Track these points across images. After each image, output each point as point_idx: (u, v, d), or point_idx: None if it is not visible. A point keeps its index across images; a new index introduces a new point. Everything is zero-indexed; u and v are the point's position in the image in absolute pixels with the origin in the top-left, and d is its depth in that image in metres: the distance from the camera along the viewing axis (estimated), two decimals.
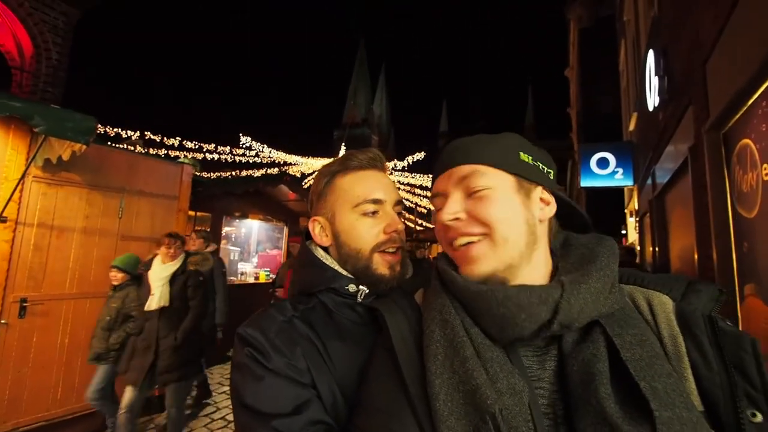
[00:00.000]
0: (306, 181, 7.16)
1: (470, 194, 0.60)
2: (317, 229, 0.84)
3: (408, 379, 0.54)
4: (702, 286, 0.57)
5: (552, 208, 0.64)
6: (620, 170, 6.92)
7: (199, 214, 6.22)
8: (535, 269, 0.59)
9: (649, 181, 5.49)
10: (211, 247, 4.21)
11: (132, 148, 6.10)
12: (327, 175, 0.84)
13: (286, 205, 7.54)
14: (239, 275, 7.10)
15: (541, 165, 0.65)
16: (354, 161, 0.83)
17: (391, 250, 0.79)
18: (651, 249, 5.69)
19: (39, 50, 5.46)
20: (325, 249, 0.84)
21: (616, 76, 10.04)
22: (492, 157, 0.61)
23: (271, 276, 6.95)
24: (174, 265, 3.09)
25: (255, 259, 7.88)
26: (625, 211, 9.89)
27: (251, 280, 7.00)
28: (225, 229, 7.07)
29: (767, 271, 2.05)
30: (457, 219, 0.59)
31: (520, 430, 0.46)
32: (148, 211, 4.17)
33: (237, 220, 7.54)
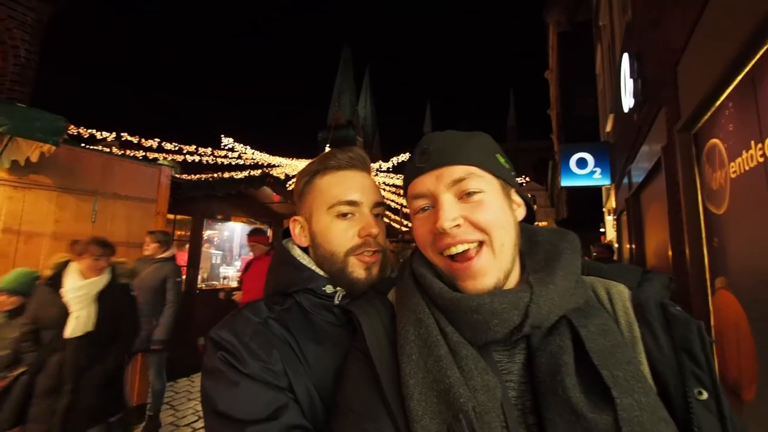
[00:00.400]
0: (290, 182, 7.05)
1: (463, 197, 0.59)
2: (297, 229, 0.83)
3: (383, 380, 0.55)
4: (654, 275, 0.60)
5: (523, 210, 0.66)
6: (598, 170, 7.12)
7: (178, 217, 6.06)
8: (514, 267, 0.60)
9: (626, 180, 5.66)
10: (168, 252, 3.73)
11: (108, 150, 5.90)
12: (307, 175, 0.83)
13: (270, 207, 7.43)
14: (222, 280, 6.95)
15: (510, 167, 0.66)
16: (333, 161, 0.81)
17: (367, 253, 0.77)
18: (628, 246, 5.86)
19: (5, 47, 5.22)
20: (305, 249, 0.83)
21: (593, 78, 10.33)
22: (480, 159, 0.60)
23: None
24: (101, 280, 2.48)
25: (238, 263, 7.73)
26: (603, 209, 10.17)
27: (234, 284, 6.85)
28: (206, 233, 6.92)
29: (737, 265, 2.13)
30: (457, 225, 0.57)
31: (492, 424, 0.48)
32: (123, 214, 4.04)
33: (219, 223, 7.39)
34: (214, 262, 7.08)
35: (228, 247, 7.92)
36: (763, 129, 1.66)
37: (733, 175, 2.03)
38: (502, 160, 0.64)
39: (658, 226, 3.80)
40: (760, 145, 1.70)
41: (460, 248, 0.57)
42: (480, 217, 0.57)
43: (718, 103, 2.19)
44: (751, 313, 1.93)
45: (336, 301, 0.75)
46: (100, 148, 5.99)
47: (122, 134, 8.19)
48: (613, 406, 0.45)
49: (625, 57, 4.26)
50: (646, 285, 0.59)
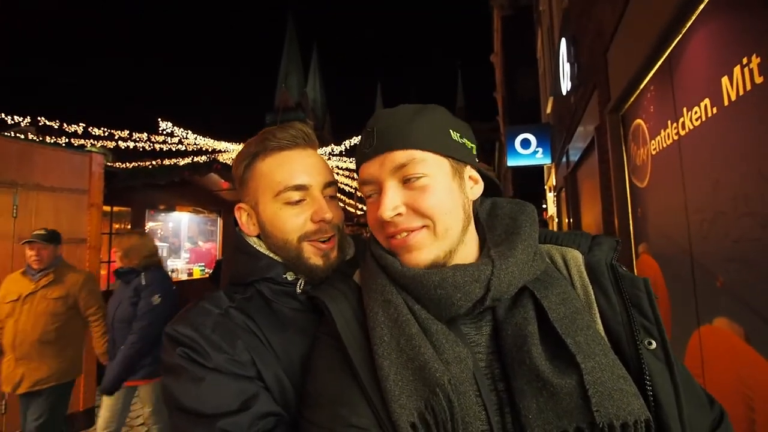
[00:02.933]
0: None
1: (407, 183, 0.58)
2: (244, 217, 0.77)
3: (356, 363, 0.54)
4: (603, 239, 0.66)
5: (480, 187, 0.65)
6: (540, 150, 7.60)
7: (116, 209, 5.58)
8: (467, 246, 0.61)
9: (564, 159, 6.11)
10: None
11: (22, 137, 5.22)
12: (246, 158, 0.76)
13: (219, 194, 7.07)
14: (170, 272, 6.56)
15: (467, 142, 0.64)
16: (272, 141, 0.74)
17: (322, 239, 0.73)
18: (567, 220, 6.39)
19: None
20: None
21: (534, 62, 10.84)
22: (426, 140, 0.58)
23: (206, 271, 6.54)
24: None
25: (186, 255, 7.33)
26: (545, 187, 10.91)
27: (184, 276, 6.52)
28: (149, 224, 6.45)
29: (655, 232, 2.43)
30: (398, 214, 0.57)
31: (467, 394, 0.50)
32: (50, 207, 3.64)
33: (162, 214, 6.91)
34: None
35: (174, 238, 7.46)
36: (677, 110, 1.89)
37: (653, 152, 2.29)
38: (455, 135, 0.62)
39: (592, 201, 4.19)
40: (675, 125, 1.93)
41: (403, 235, 0.58)
42: (423, 204, 0.57)
43: (641, 86, 2.43)
44: (665, 271, 2.25)
45: (298, 289, 0.73)
46: (11, 134, 5.28)
47: (39, 118, 7.26)
48: (577, 370, 0.48)
49: (563, 41, 4.53)
50: (596, 249, 0.63)
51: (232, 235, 0.80)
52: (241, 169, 0.77)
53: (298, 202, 0.72)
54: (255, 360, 0.64)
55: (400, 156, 0.57)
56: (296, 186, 0.72)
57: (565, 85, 4.64)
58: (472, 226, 0.63)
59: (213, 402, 0.58)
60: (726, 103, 1.45)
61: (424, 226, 0.57)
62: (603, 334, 0.56)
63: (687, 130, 1.80)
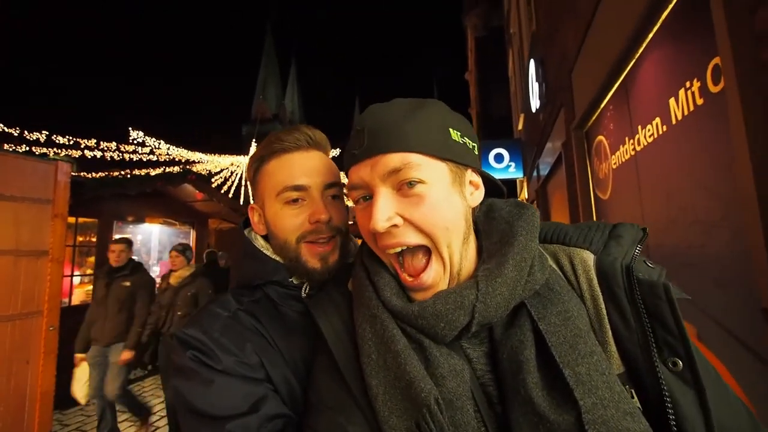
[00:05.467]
0: (215, 178, 6.58)
1: (401, 189, 0.52)
2: (255, 217, 0.80)
3: (348, 379, 0.53)
4: (623, 229, 0.55)
5: (481, 192, 0.60)
6: (513, 164, 7.88)
7: (81, 220, 5.33)
8: (466, 260, 0.56)
9: (535, 173, 6.38)
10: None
11: None
12: (256, 161, 0.79)
13: (193, 206, 6.89)
14: None
15: (468, 141, 0.57)
16: (276, 144, 0.76)
17: (320, 240, 0.74)
18: None
19: None
20: (266, 238, 0.80)
21: (506, 81, 11.33)
22: (423, 142, 0.52)
23: None
24: None
25: (156, 268, 7.05)
26: (518, 200, 11.25)
27: None
28: (116, 237, 6.18)
29: None
30: (394, 225, 0.52)
31: (464, 409, 0.47)
32: (10, 218, 3.44)
33: (131, 226, 6.65)
34: None
35: (144, 251, 7.17)
36: (634, 127, 2.05)
37: (614, 166, 2.45)
38: (456, 135, 0.55)
39: (561, 212, 4.38)
40: (631, 141, 2.09)
41: (398, 249, 0.54)
42: (420, 217, 0.51)
43: (602, 105, 2.62)
44: None
45: (303, 293, 0.74)
46: None
47: None
48: (576, 406, 0.43)
49: (532, 62, 4.79)
50: (612, 246, 0.54)
51: (239, 240, 0.82)
52: (252, 171, 0.81)
53: (296, 202, 0.74)
54: (264, 362, 0.65)
55: (393, 159, 0.51)
56: (294, 186, 0.73)
57: (535, 103, 4.89)
58: (472, 236, 0.57)
59: (222, 404, 0.59)
60: (674, 121, 1.60)
61: (425, 248, 0.53)
62: (616, 356, 0.50)
63: (642, 146, 1.96)
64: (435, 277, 0.53)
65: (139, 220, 6.36)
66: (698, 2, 1.37)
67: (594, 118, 2.84)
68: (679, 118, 1.55)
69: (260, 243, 0.79)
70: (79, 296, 5.34)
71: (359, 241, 0.84)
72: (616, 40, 2.07)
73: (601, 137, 2.72)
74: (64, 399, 3.38)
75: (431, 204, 0.51)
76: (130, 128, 8.74)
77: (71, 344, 3.48)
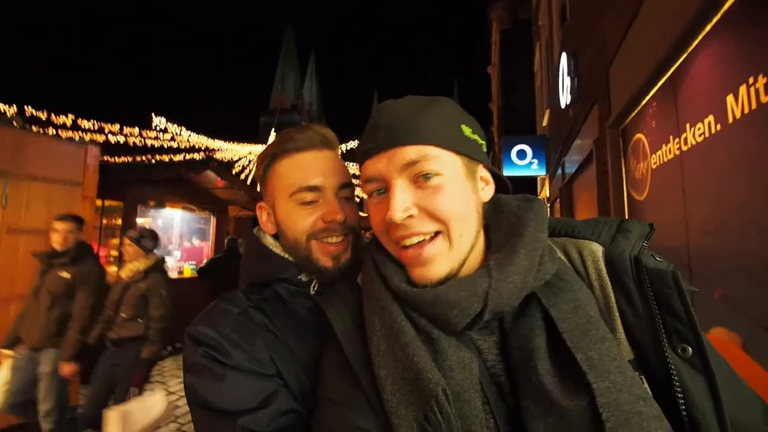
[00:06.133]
0: (236, 166, 6.64)
1: (418, 181, 0.53)
2: (264, 216, 0.79)
3: (357, 371, 0.53)
4: (631, 224, 0.56)
5: (491, 188, 0.60)
6: (536, 161, 7.71)
7: (107, 203, 5.47)
8: (475, 252, 0.56)
9: (560, 171, 6.21)
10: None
11: (15, 125, 5.10)
12: (266, 159, 0.77)
13: (213, 192, 6.98)
14: None
15: (477, 138, 0.59)
16: (290, 143, 0.75)
17: (333, 240, 0.73)
18: None
19: None
20: (275, 237, 0.80)
21: (531, 75, 11.04)
22: (438, 135, 0.53)
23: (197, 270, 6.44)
24: None
25: (177, 253, 7.20)
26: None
27: (175, 275, 6.40)
28: (139, 220, 6.33)
29: (652, 243, 2.48)
30: (410, 216, 0.52)
31: (472, 402, 0.47)
32: (42, 198, 3.55)
33: (152, 210, 6.79)
34: None
35: (165, 236, 7.34)
36: (680, 126, 1.94)
37: (654, 166, 2.34)
38: (468, 131, 0.56)
39: (589, 212, 4.26)
40: (677, 140, 1.98)
41: (414, 240, 0.53)
42: (436, 206, 0.52)
43: (644, 102, 2.50)
44: None
45: (312, 290, 0.73)
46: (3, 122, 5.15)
47: (26, 107, 7.05)
48: (589, 390, 0.43)
49: (564, 56, 4.63)
50: (621, 238, 0.55)
51: (250, 238, 0.81)
52: (262, 169, 0.79)
53: (310, 203, 0.73)
54: (274, 358, 0.65)
55: (411, 152, 0.52)
56: (309, 187, 0.72)
57: (564, 99, 4.73)
58: (481, 229, 0.58)
59: (233, 399, 0.59)
60: (731, 120, 1.50)
61: (437, 232, 0.53)
62: (626, 343, 0.50)
63: (689, 145, 1.85)
64: (437, 251, 0.53)
65: (161, 204, 6.49)
66: None
67: (633, 115, 2.72)
68: (738, 116, 1.45)
69: (269, 241, 0.78)
70: None
71: (367, 234, 0.82)
72: (666, 33, 1.96)
73: (640, 135, 2.60)
74: None
75: (448, 195, 0.52)
76: (152, 114, 8.88)
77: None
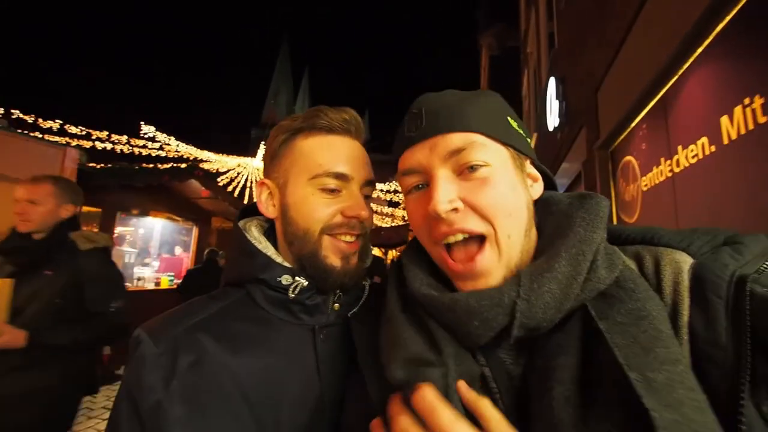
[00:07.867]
0: (221, 177, 6.49)
1: (463, 173, 0.47)
2: (264, 195, 0.69)
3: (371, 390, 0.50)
4: (748, 238, 0.42)
5: (540, 186, 0.55)
6: None
7: (84, 209, 5.24)
8: (526, 255, 0.49)
9: None
10: None
11: None
12: (286, 132, 0.67)
13: (197, 202, 6.81)
14: (136, 281, 6.16)
15: (523, 132, 0.54)
16: (323, 120, 0.65)
17: (348, 239, 0.65)
18: None
19: None
20: (267, 231, 0.71)
21: (519, 100, 11.35)
22: (486, 124, 0.48)
23: (175, 281, 6.18)
24: None
25: (156, 263, 6.92)
26: None
27: (150, 286, 6.12)
28: (118, 229, 6.08)
29: None
30: (454, 209, 0.46)
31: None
32: (10, 200, 3.36)
33: (134, 218, 6.55)
34: (127, 261, 6.24)
35: (144, 245, 7.07)
36: (672, 147, 1.95)
37: (644, 188, 2.35)
38: (514, 124, 0.52)
39: None
40: (668, 162, 1.99)
41: (459, 237, 0.47)
42: (483, 200, 0.46)
43: (633, 124, 2.52)
44: None
45: (291, 294, 0.62)
46: None
47: (13, 111, 6.85)
48: (641, 424, 0.31)
49: (552, 80, 4.74)
50: (725, 252, 0.41)
51: (233, 233, 0.70)
52: (278, 142, 0.68)
53: (332, 191, 0.64)
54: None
55: (456, 139, 0.47)
56: (337, 174, 0.64)
57: (552, 122, 4.82)
58: (533, 231, 0.51)
59: None
60: (726, 141, 1.50)
61: (484, 236, 0.46)
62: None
63: (682, 167, 1.85)
64: (489, 263, 0.46)
65: (143, 213, 6.28)
66: (757, 17, 1.28)
67: (622, 137, 2.75)
68: (733, 137, 1.45)
69: (253, 234, 0.68)
70: None
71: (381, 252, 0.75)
72: (655, 57, 1.99)
73: (629, 157, 2.62)
74: None
75: (496, 188, 0.47)
76: (141, 122, 8.73)
77: None
